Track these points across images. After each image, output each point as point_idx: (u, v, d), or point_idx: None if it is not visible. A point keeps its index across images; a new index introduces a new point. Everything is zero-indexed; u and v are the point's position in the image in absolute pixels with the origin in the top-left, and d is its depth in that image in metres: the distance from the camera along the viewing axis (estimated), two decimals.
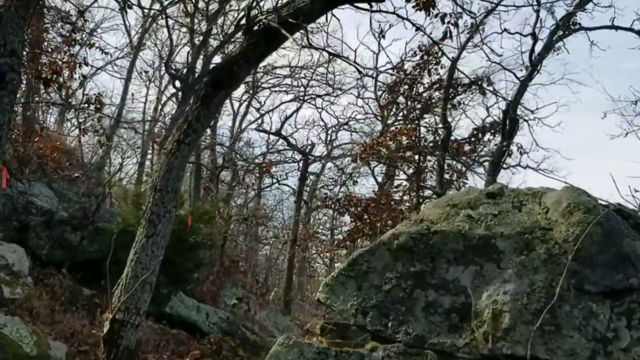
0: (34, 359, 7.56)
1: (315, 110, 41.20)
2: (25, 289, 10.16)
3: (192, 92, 22.37)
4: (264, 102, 36.32)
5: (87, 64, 12.17)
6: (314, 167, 36.06)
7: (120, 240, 13.57)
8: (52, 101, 13.90)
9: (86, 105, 14.45)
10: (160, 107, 32.99)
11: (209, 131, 31.51)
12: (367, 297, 4.67)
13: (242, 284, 21.87)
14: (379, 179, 29.52)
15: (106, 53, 15.66)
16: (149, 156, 28.65)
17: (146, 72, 23.66)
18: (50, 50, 12.21)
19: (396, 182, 25.26)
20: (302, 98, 35.14)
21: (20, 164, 13.41)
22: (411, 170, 22.93)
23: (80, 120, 16.38)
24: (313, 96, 35.26)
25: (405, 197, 21.72)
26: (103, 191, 14.85)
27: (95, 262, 13.83)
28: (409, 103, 22.78)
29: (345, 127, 36.26)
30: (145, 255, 7.12)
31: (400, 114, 27.68)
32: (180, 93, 22.73)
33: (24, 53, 9.55)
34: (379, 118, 33.41)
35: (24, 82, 13.32)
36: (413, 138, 20.80)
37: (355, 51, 10.36)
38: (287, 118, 35.53)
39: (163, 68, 33.00)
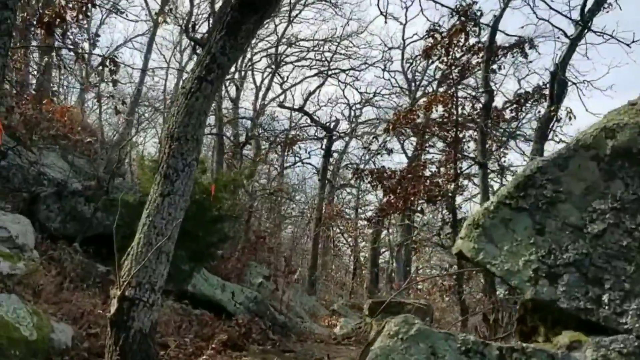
0: (32, 344, 6.36)
1: (338, 87, 40.11)
2: (30, 264, 8.96)
3: None
4: (287, 78, 35.09)
5: (94, 5, 10.82)
6: (337, 146, 34.93)
7: (137, 211, 12.55)
8: (57, 46, 12.46)
9: (100, 67, 13.20)
10: (181, 83, 31.76)
11: (231, 105, 30.45)
12: (555, 247, 2.83)
13: (268, 261, 20.73)
14: (408, 154, 28.57)
15: (121, 13, 14.30)
16: None
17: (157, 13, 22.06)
18: None
19: (427, 156, 24.16)
20: (325, 73, 33.96)
21: (29, 129, 12.21)
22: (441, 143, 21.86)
23: (95, 83, 15.13)
24: (337, 71, 34.23)
25: (442, 169, 20.36)
26: (119, 156, 13.63)
27: (110, 236, 12.65)
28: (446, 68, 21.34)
29: (369, 103, 35.09)
30: (160, 219, 5.84)
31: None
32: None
33: None
34: (406, 92, 32.26)
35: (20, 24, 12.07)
36: (450, 105, 19.41)
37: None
38: (310, 94, 34.54)
39: (184, 42, 32.14)
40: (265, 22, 30.22)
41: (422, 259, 32.14)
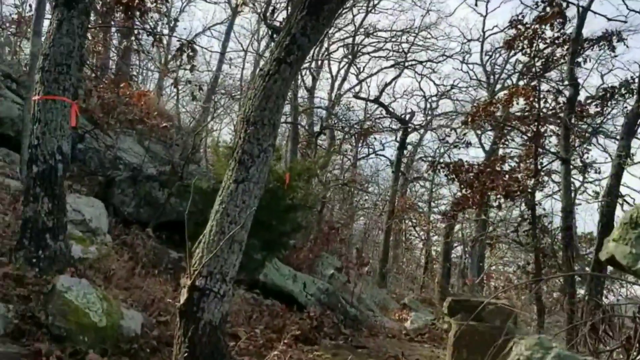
0: (101, 330, 6.20)
1: (414, 79, 39.62)
2: (102, 248, 8.88)
3: None
4: (363, 68, 34.65)
5: None
6: (411, 138, 34.39)
7: (210, 198, 12.42)
8: (135, 28, 12.34)
9: (178, 52, 13.09)
10: (257, 72, 31.68)
11: (306, 94, 30.27)
12: None
13: (339, 253, 20.44)
14: (486, 148, 27.89)
15: None
16: None
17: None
18: None
19: (506, 151, 23.51)
20: (402, 64, 33.45)
21: (106, 113, 12.21)
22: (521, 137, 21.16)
23: (172, 69, 15.03)
24: (414, 62, 33.70)
25: (522, 164, 19.68)
26: (194, 142, 13.52)
27: (183, 223, 12.59)
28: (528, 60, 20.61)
29: (446, 95, 34.45)
30: (234, 206, 5.58)
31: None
32: None
33: None
34: (484, 84, 31.53)
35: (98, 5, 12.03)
36: (531, 98, 18.72)
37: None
38: (386, 85, 34.10)
39: (262, 30, 32.07)
40: (345, 7, 30.05)
41: (496, 255, 31.45)
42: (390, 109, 33.39)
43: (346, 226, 25.62)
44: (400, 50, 33.57)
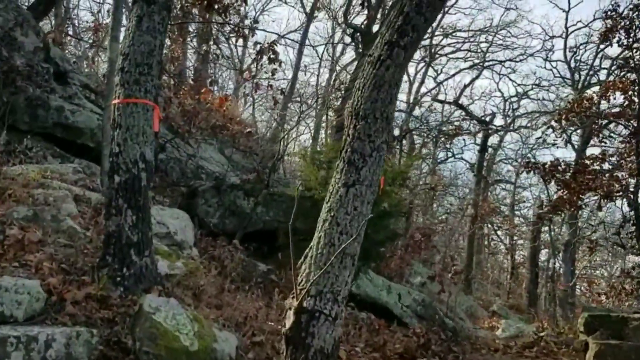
0: (193, 355, 5.59)
1: (492, 79, 38.48)
2: (190, 263, 8.28)
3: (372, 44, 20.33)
4: (441, 70, 33.75)
5: None
6: (490, 141, 33.26)
7: (299, 206, 11.76)
8: (217, 22, 11.69)
9: (259, 56, 12.49)
10: (333, 78, 31.31)
11: None
12: None
13: (429, 260, 19.60)
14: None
15: None
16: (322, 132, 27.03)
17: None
18: None
19: (592, 150, 22.36)
20: (481, 65, 32.43)
21: (187, 121, 11.69)
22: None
23: (252, 72, 14.45)
24: (493, 62, 32.62)
25: (623, 163, 18.40)
26: (279, 148, 12.89)
27: (270, 233, 12.00)
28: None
29: (526, 95, 33.24)
30: (344, 214, 4.81)
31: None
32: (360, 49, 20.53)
33: None
34: (569, 82, 30.22)
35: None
36: (630, 92, 17.51)
37: None
38: (465, 86, 33.23)
39: (337, 35, 31.50)
40: None
41: (590, 259, 30.10)
42: (469, 110, 32.47)
43: (438, 232, 24.73)
44: (479, 50, 32.59)
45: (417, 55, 32.49)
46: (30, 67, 11.16)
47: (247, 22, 12.29)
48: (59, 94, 11.87)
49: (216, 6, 9.36)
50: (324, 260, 4.76)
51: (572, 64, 30.11)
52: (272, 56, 12.40)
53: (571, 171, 17.50)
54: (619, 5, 18.09)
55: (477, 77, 33.75)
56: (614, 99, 18.31)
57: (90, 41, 16.30)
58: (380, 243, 11.25)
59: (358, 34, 20.51)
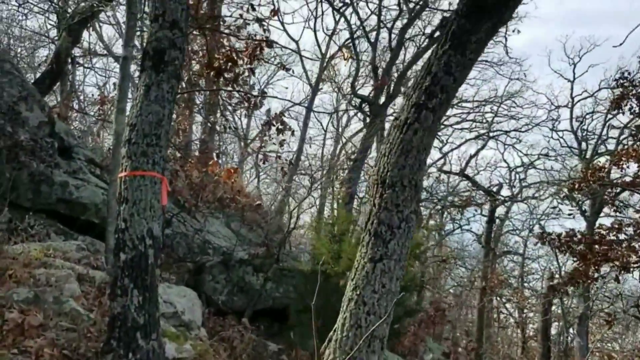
0: None
1: (497, 150, 38.39)
2: (198, 345, 7.82)
3: (382, 116, 20.22)
4: (446, 141, 33.64)
5: (270, 45, 9.68)
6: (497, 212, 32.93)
7: (311, 282, 11.35)
8: (226, 89, 11.38)
9: (267, 126, 12.24)
10: (339, 149, 31.20)
11: None
12: None
13: (442, 336, 18.96)
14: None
15: (287, 69, 13.28)
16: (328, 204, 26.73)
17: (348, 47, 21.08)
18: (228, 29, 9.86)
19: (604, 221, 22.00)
20: (487, 135, 32.35)
21: (194, 194, 11.34)
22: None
23: (261, 144, 14.14)
24: (499, 133, 32.51)
25: None
26: (289, 222, 12.48)
27: (281, 310, 11.55)
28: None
29: (532, 165, 33.03)
30: (371, 292, 4.40)
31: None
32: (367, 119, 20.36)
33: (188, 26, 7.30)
34: (576, 151, 30.08)
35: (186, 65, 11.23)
36: None
37: None
38: (471, 157, 33.12)
39: (342, 105, 31.50)
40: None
41: (602, 332, 29.45)
42: (476, 181, 32.26)
43: (453, 307, 24.12)
44: (484, 120, 32.52)
45: None
46: (35, 142, 10.90)
47: (254, 92, 12.03)
48: (64, 168, 11.58)
49: (226, 75, 9.13)
50: (349, 344, 4.33)
51: (579, 134, 30.07)
52: (280, 127, 12.14)
53: (587, 242, 17.10)
54: (629, 73, 18.01)
55: (483, 147, 33.59)
56: (627, 167, 18.06)
57: (96, 115, 16.11)
58: (396, 320, 10.76)
59: (365, 103, 20.38)
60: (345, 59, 19.29)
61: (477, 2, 4.41)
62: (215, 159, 12.58)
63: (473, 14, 4.41)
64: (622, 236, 17.14)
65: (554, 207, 27.67)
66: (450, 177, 33.43)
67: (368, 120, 22.08)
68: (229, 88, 10.35)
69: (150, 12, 6.88)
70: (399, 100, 28.04)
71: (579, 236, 17.28)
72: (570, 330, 29.58)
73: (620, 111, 17.67)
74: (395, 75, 21.96)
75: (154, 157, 6.35)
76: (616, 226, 17.28)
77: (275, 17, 10.32)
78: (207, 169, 11.86)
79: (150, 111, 6.38)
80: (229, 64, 8.75)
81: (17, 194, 10.38)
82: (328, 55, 26.79)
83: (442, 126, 32.75)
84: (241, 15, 9.52)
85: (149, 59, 6.55)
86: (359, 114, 28.55)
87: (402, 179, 4.43)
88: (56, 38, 18.26)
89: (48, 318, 6.65)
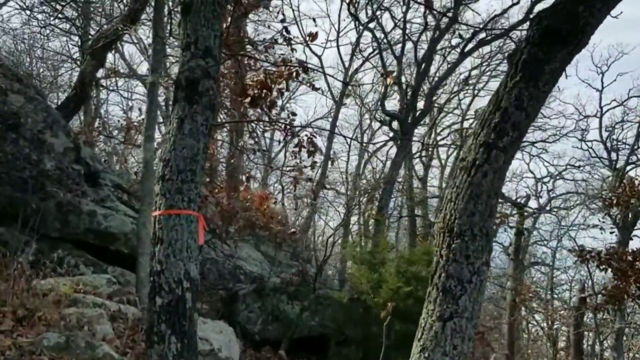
0: None
1: (522, 160, 37.87)
2: None
3: (411, 134, 19.76)
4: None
5: (306, 70, 9.27)
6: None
7: (350, 312, 10.95)
8: (267, 120, 10.92)
9: (297, 149, 11.83)
10: (363, 164, 30.83)
11: (419, 184, 28.87)
12: None
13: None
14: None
15: (316, 89, 12.85)
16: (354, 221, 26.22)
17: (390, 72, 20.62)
18: (257, 56, 9.46)
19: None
20: None
21: (225, 221, 10.95)
22: None
23: (288, 169, 13.72)
24: (525, 144, 31.96)
25: None
26: (325, 250, 12.05)
27: (317, 340, 11.14)
28: None
29: (560, 176, 32.49)
30: (441, 355, 3.93)
31: None
32: (397, 137, 19.86)
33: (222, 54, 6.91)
34: (606, 162, 29.44)
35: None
36: None
37: None
38: None
39: (366, 121, 31.16)
40: (453, 92, 28.84)
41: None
42: (503, 194, 31.75)
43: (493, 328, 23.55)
44: None
45: (448, 139, 32.17)
46: (61, 170, 10.59)
47: (283, 114, 11.59)
48: (91, 197, 11.26)
49: (260, 102, 8.75)
50: None
51: (609, 144, 29.42)
52: (311, 149, 11.73)
53: (627, 259, 16.57)
54: None
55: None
56: None
57: (122, 139, 15.83)
58: None
59: (395, 121, 19.91)
60: (388, 84, 18.81)
61: (551, 27, 3.96)
62: (245, 183, 12.16)
63: (546, 42, 3.96)
64: None
65: (595, 226, 26.76)
66: None
67: (395, 136, 21.65)
68: (266, 118, 9.98)
69: (181, 40, 6.52)
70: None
71: (619, 253, 16.74)
72: (605, 343, 28.92)
73: None
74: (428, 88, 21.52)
75: (189, 194, 5.95)
76: None
77: (314, 41, 9.85)
78: (237, 194, 11.48)
79: (184, 145, 5.99)
80: (264, 90, 8.38)
81: (44, 225, 10.06)
82: (351, 70, 26.55)
83: (467, 139, 32.38)
84: (276, 41, 9.14)
85: (181, 90, 6.16)
86: (384, 128, 28.28)
87: (472, 227, 3.98)
88: (78, 58, 18.08)
89: None
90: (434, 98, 21.31)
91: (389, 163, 28.59)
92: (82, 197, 10.92)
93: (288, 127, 10.45)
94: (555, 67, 4.05)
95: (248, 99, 8.50)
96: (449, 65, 21.06)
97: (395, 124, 20.90)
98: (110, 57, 15.62)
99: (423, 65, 19.93)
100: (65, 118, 12.72)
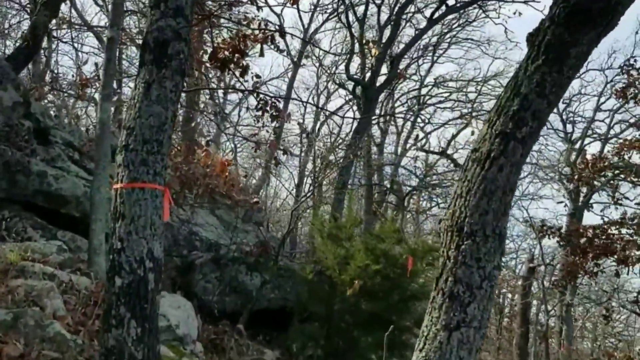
0: None
1: (477, 129, 37.66)
2: None
3: (375, 101, 19.29)
4: (428, 121, 33.00)
5: (283, 35, 8.70)
6: None
7: (314, 287, 10.55)
8: (237, 88, 10.31)
9: (260, 111, 11.26)
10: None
11: (374, 149, 28.57)
12: None
13: None
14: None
15: (281, 51, 12.26)
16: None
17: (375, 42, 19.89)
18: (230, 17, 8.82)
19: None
20: (470, 114, 31.68)
21: (183, 187, 10.40)
22: None
23: (254, 130, 13.10)
24: (482, 112, 31.85)
25: None
26: (290, 221, 11.60)
27: (276, 312, 10.75)
28: None
29: None
30: None
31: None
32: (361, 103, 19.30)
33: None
34: (560, 135, 29.56)
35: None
36: None
37: None
38: (453, 137, 32.44)
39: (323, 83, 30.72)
40: (413, 59, 28.47)
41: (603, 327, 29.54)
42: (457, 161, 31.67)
43: None
44: (467, 100, 31.81)
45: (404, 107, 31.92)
46: (10, 127, 9.92)
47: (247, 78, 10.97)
48: (41, 156, 10.61)
49: (232, 67, 8.16)
50: None
51: (564, 116, 29.49)
52: (275, 113, 11.22)
53: (588, 236, 16.59)
54: (635, 61, 17.25)
55: (465, 127, 32.91)
56: (629, 158, 17.52)
57: (75, 94, 14.99)
58: (406, 330, 9.97)
59: (359, 87, 19.35)
60: (372, 56, 18.18)
61: (579, 6, 3.52)
62: (205, 147, 11.56)
63: (574, 22, 3.52)
64: (624, 230, 16.63)
65: (559, 202, 26.78)
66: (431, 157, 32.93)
67: (355, 100, 21.16)
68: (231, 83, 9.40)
69: None
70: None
71: (582, 230, 16.75)
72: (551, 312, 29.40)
73: (626, 100, 17.05)
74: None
75: (155, 166, 5.45)
76: (619, 220, 16.76)
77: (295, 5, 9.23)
78: (196, 158, 10.90)
79: (151, 113, 5.46)
80: (236, 55, 7.79)
81: None
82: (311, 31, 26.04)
83: (425, 105, 32.11)
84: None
85: (149, 51, 5.61)
86: (340, 90, 27.89)
87: (484, 226, 3.55)
88: (28, 6, 17.07)
89: (30, 346, 5.79)
90: (400, 65, 20.78)
91: (345, 127, 28.39)
92: (32, 157, 10.26)
93: (257, 94, 9.88)
94: (582, 50, 3.61)
95: (217, 63, 7.93)
96: (417, 32, 20.55)
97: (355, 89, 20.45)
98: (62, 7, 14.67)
99: (389, 30, 19.46)
100: (15, 70, 11.94)
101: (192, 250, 12.11)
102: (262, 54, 8.24)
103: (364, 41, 18.86)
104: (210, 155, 11.01)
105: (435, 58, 30.18)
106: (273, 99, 11.41)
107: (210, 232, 12.93)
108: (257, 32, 8.11)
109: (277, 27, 8.33)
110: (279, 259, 10.85)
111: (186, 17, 5.73)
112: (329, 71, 28.03)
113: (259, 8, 9.89)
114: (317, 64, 28.74)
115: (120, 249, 5.27)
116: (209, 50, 8.64)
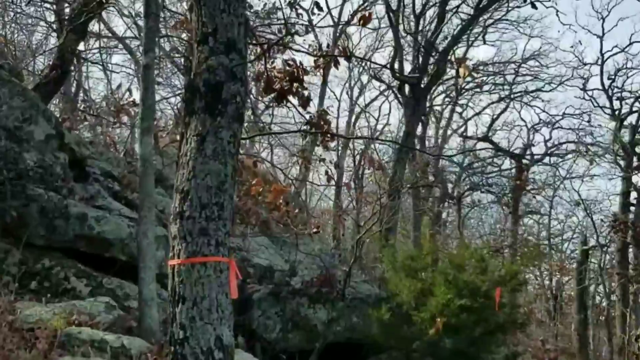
0: None
1: (517, 111, 36.53)
2: None
3: (424, 99, 18.26)
4: (466, 106, 31.95)
5: (349, 58, 7.73)
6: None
7: (390, 327, 9.62)
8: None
9: (309, 127, 10.28)
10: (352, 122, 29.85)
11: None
12: None
13: None
14: None
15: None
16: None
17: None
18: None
19: None
20: (508, 97, 30.62)
21: (240, 220, 9.57)
22: None
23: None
24: (521, 93, 30.67)
25: None
26: (355, 251, 10.69)
27: (345, 348, 9.90)
28: None
29: (552, 125, 31.17)
30: None
31: None
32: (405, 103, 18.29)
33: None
34: (607, 111, 28.25)
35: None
36: None
37: None
38: (493, 121, 31.26)
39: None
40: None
41: None
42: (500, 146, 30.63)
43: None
44: (505, 82, 30.66)
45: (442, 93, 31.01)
46: (43, 168, 9.16)
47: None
48: (79, 194, 9.84)
49: (291, 97, 7.25)
50: None
51: (610, 92, 28.15)
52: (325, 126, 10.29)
53: None
54: None
55: (505, 110, 31.83)
56: None
57: (111, 122, 14.20)
58: None
59: (407, 85, 18.28)
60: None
61: None
62: (254, 168, 10.63)
63: None
64: None
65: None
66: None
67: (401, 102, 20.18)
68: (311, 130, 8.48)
69: (194, 30, 5.04)
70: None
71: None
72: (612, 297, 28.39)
73: None
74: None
75: (217, 235, 4.60)
76: None
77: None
78: (247, 186, 9.99)
79: (207, 171, 4.60)
80: (293, 83, 6.88)
81: (27, 231, 8.64)
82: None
83: (463, 90, 31.03)
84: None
85: (200, 97, 4.73)
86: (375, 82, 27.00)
87: None
88: (54, 22, 16.33)
89: None
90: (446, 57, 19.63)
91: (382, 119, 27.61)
92: (69, 197, 9.49)
93: (326, 133, 8.95)
94: None
95: (275, 95, 7.04)
96: (464, 23, 19.39)
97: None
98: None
99: (434, 24, 18.40)
100: (44, 100, 11.21)
101: (245, 278, 11.29)
102: (325, 82, 7.37)
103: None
104: (262, 182, 10.08)
105: (470, 42, 28.89)
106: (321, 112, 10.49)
107: (263, 259, 12.07)
108: (319, 59, 7.19)
109: (340, 50, 7.42)
110: (346, 292, 9.95)
111: (240, 51, 4.82)
112: (368, 68, 27.12)
113: (298, 14, 8.98)
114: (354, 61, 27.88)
115: (183, 339, 4.45)
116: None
